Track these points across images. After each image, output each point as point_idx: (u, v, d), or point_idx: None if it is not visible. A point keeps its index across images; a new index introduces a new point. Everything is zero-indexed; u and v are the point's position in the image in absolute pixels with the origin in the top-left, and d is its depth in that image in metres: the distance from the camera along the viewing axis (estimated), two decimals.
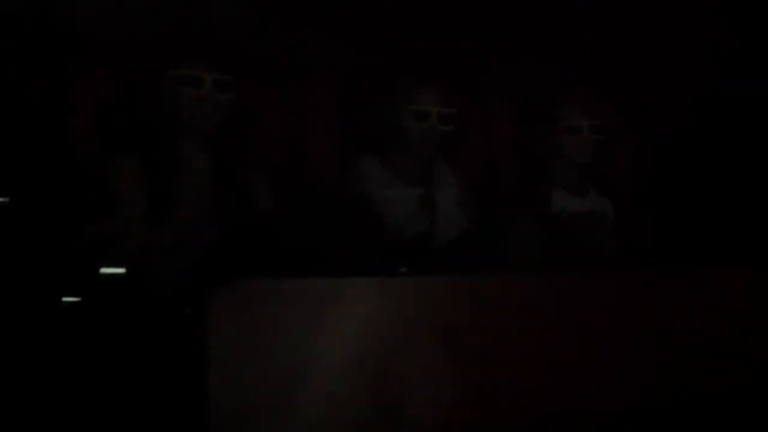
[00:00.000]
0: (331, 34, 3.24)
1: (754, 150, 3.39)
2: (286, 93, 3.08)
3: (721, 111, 3.47)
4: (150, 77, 2.77)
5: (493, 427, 2.08)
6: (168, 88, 2.75)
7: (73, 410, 2.25)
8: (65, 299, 2.47)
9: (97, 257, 2.53)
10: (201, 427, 1.95)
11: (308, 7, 3.26)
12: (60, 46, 2.93)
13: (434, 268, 2.70)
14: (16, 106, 2.81)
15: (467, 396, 2.08)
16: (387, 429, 2.04)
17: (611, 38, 3.52)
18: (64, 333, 2.37)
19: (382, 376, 2.03)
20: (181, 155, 2.75)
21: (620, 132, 3.40)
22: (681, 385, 2.18)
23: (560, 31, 3.49)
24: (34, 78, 2.87)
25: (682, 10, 3.51)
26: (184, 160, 2.75)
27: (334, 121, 3.09)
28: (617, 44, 3.52)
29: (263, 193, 2.83)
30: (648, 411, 2.15)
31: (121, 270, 2.50)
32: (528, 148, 3.26)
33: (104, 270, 2.50)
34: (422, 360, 2.05)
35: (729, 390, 2.20)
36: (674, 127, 3.48)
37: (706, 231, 3.24)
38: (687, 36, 3.54)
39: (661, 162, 3.44)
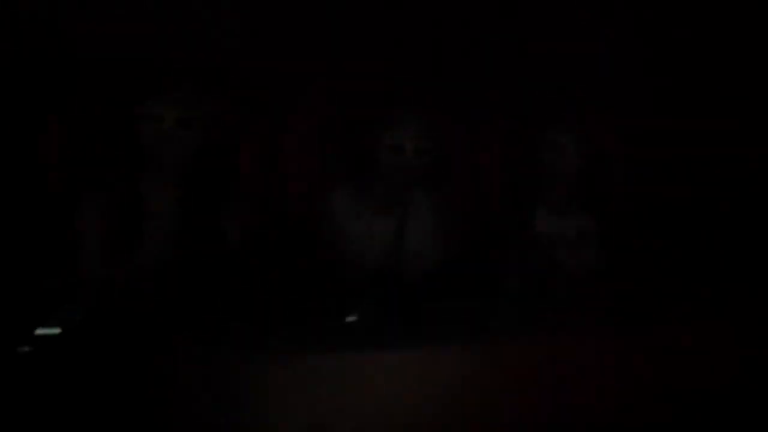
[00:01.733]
0: (310, 59, 3.15)
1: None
2: (262, 123, 2.97)
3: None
4: (113, 113, 2.75)
5: None
6: (130, 125, 2.71)
7: None
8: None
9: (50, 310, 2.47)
10: None
11: (286, 33, 3.15)
12: (29, 78, 2.86)
13: (392, 311, 2.61)
14: None
15: None
16: None
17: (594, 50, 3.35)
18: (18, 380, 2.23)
19: None
20: (146, 192, 2.71)
21: (608, 146, 3.24)
22: None
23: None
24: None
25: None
26: (148, 197, 2.70)
27: (310, 150, 3.02)
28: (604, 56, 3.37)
29: (233, 230, 2.78)
30: None
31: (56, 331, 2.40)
32: (512, 168, 3.08)
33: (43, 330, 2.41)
34: None
35: None
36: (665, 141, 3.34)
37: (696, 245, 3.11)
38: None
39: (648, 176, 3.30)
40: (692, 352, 2.32)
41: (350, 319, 2.53)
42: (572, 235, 3.08)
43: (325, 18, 3.21)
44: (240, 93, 3.05)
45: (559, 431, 2.23)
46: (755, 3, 3.41)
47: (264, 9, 3.18)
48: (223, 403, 2.13)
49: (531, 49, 3.38)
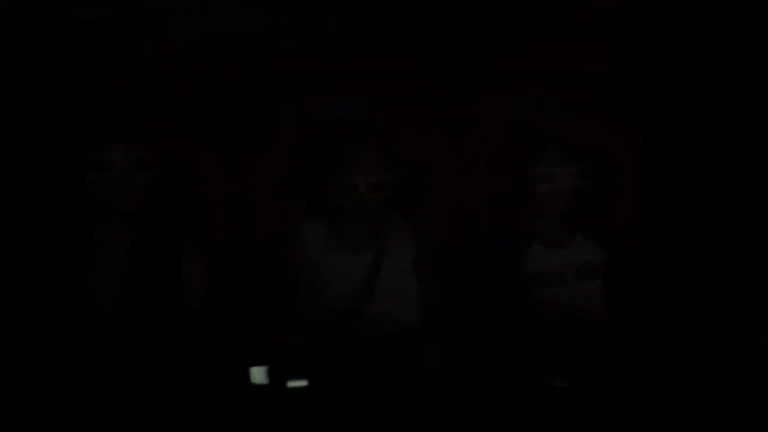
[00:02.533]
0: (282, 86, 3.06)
1: None
2: (230, 155, 2.91)
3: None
4: (61, 158, 2.68)
5: None
6: (80, 170, 2.64)
7: None
8: None
9: None
10: None
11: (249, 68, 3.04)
12: None
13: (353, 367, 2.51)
14: None
15: None
16: None
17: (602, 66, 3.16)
18: None
19: None
20: (97, 238, 2.62)
21: (618, 169, 3.01)
22: None
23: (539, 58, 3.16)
24: None
25: None
26: (100, 242, 2.62)
27: (280, 184, 2.90)
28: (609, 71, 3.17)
29: (197, 276, 2.68)
30: None
31: None
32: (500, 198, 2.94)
33: None
34: None
35: None
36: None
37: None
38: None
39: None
40: None
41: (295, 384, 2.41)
42: (569, 272, 2.87)
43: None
44: (202, 128, 2.94)
45: None
46: None
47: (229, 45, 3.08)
48: None
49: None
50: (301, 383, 2.42)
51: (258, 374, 2.47)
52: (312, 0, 3.15)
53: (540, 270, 2.85)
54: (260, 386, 2.44)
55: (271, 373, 2.48)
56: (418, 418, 2.44)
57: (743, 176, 3.08)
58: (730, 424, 2.57)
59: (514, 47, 3.21)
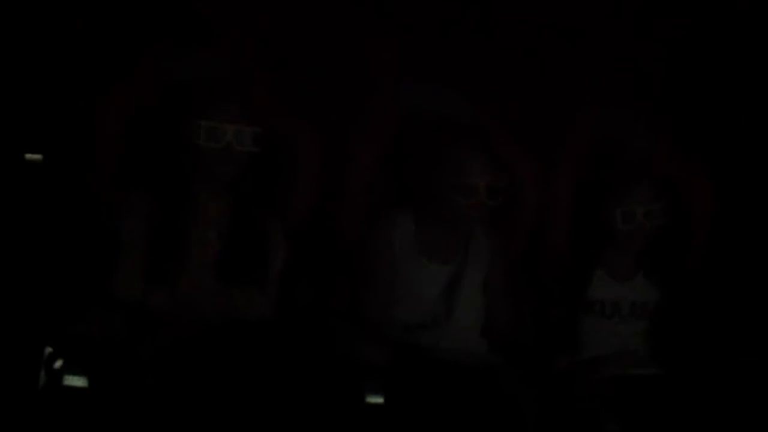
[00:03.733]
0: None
1: None
2: (330, 137, 2.85)
3: None
4: (170, 123, 2.62)
5: None
6: (188, 136, 2.58)
7: None
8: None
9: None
10: None
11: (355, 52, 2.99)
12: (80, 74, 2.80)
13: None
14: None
15: None
16: None
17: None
18: None
19: None
20: (196, 202, 2.60)
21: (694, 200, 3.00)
22: None
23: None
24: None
25: None
26: (197, 207, 2.60)
27: (374, 176, 2.86)
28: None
29: (280, 251, 2.66)
30: None
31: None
32: (580, 229, 2.93)
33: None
34: None
35: None
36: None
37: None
38: None
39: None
40: None
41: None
42: (626, 308, 2.89)
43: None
44: (303, 110, 2.88)
45: None
46: None
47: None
48: None
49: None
50: (378, 400, 2.40)
51: None
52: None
53: (600, 299, 2.87)
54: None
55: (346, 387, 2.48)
56: None
57: None
58: None
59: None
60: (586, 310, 2.85)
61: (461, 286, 2.74)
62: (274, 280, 2.62)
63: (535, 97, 3.17)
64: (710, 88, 3.29)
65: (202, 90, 2.63)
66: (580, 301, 2.86)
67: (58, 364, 2.41)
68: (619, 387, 2.69)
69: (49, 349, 2.44)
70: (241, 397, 2.34)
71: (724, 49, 3.28)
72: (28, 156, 2.89)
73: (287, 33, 3.03)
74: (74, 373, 2.33)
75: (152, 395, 2.32)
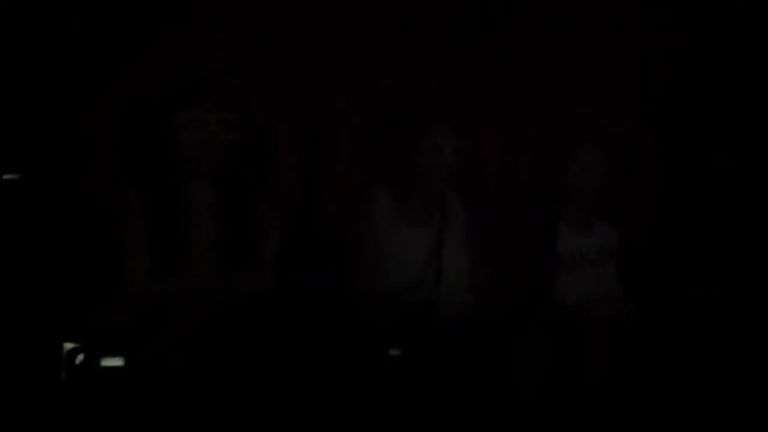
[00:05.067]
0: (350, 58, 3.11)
1: None
2: (308, 124, 2.99)
3: None
4: (153, 117, 2.70)
5: None
6: (172, 129, 2.69)
7: None
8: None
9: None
10: None
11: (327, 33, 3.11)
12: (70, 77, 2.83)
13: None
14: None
15: None
16: None
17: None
18: None
19: None
20: (187, 196, 2.70)
21: (637, 150, 3.26)
22: None
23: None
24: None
25: None
26: (189, 201, 2.70)
27: (355, 154, 3.03)
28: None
29: (272, 233, 2.78)
30: None
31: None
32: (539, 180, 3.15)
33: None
34: None
35: None
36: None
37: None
38: None
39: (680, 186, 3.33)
40: None
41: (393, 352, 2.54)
42: (593, 254, 3.13)
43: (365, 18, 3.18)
44: (278, 93, 3.01)
45: None
46: None
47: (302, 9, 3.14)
48: None
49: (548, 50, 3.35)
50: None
51: None
52: None
53: (569, 251, 3.10)
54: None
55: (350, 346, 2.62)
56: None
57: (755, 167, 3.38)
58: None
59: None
60: (558, 263, 3.08)
61: (444, 247, 2.95)
62: (269, 260, 2.76)
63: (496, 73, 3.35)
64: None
65: (184, 82, 2.74)
66: (551, 255, 3.08)
67: (79, 359, 2.51)
68: (600, 328, 2.93)
69: (68, 345, 2.53)
70: (249, 372, 2.48)
71: None
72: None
73: (267, 22, 3.13)
74: (100, 363, 2.42)
75: (178, 379, 2.43)
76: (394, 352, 2.61)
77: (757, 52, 3.47)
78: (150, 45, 2.97)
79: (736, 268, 3.20)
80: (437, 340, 2.69)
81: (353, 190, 2.98)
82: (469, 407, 2.61)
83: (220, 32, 3.08)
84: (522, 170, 3.21)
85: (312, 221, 2.98)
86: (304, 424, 2.48)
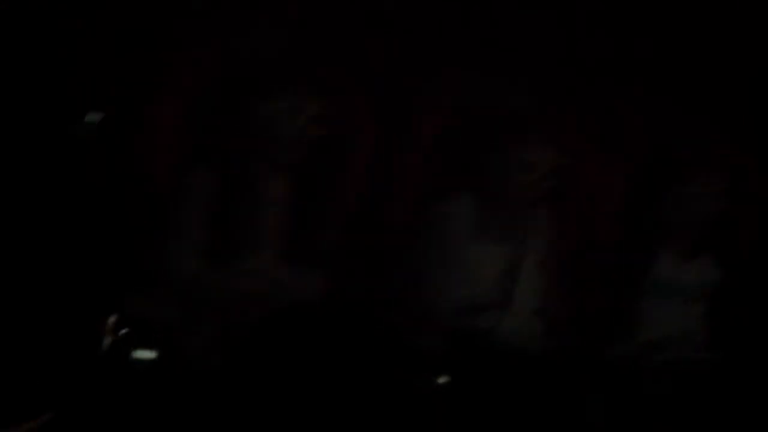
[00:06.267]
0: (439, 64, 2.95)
1: None
2: (386, 124, 2.87)
3: None
4: (239, 100, 2.64)
5: None
6: (258, 113, 2.62)
7: None
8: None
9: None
10: None
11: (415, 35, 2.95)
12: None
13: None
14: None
15: None
16: None
17: None
18: None
19: None
20: (259, 185, 2.63)
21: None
22: None
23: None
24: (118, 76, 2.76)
25: None
26: (261, 190, 2.63)
27: (431, 157, 2.90)
28: None
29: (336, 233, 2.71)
30: None
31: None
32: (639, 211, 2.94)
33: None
34: None
35: None
36: None
37: None
38: None
39: None
40: None
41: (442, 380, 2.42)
42: (688, 288, 2.91)
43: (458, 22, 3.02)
44: (361, 89, 2.90)
45: None
46: None
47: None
48: None
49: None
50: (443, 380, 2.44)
51: None
52: None
53: (659, 280, 2.89)
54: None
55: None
56: None
57: None
58: None
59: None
60: (644, 292, 2.88)
61: (519, 268, 2.77)
62: (330, 261, 2.67)
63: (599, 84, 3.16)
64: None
65: (271, 68, 2.67)
66: (639, 283, 2.88)
67: (123, 332, 2.47)
68: (676, 371, 2.72)
69: (113, 319, 2.49)
70: (299, 378, 2.39)
71: None
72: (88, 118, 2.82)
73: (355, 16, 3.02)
74: (139, 349, 2.37)
75: (216, 375, 2.36)
76: (442, 379, 2.44)
77: None
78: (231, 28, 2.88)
79: None
80: (494, 369, 2.52)
81: (428, 196, 2.83)
82: None
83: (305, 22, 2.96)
84: (617, 192, 3.01)
85: (382, 224, 2.85)
86: None
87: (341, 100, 2.77)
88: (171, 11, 2.84)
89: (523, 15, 3.02)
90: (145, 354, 2.38)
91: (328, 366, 2.43)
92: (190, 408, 2.34)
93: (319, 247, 2.65)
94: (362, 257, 2.76)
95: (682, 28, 3.12)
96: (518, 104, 2.90)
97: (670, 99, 3.09)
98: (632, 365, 2.73)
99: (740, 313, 2.93)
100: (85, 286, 2.58)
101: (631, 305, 2.84)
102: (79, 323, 2.51)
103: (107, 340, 2.43)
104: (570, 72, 3.04)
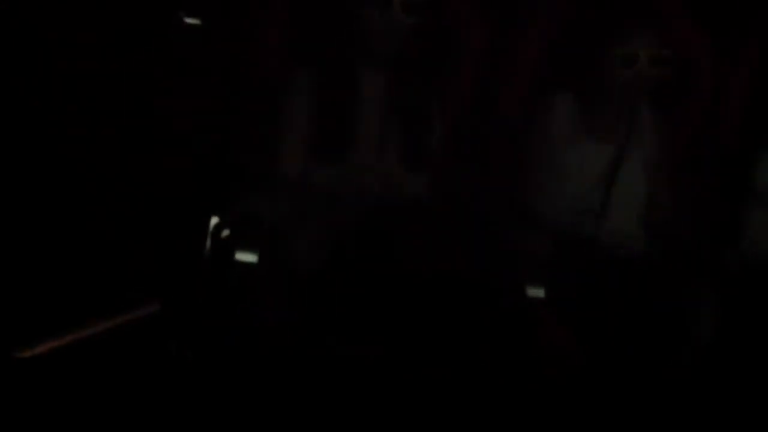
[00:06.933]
0: None
1: None
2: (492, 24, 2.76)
3: None
4: None
5: None
6: (351, 5, 2.57)
7: None
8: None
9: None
10: None
11: None
12: None
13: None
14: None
15: None
16: None
17: None
18: None
19: None
20: (358, 81, 2.59)
21: None
22: None
23: None
24: None
25: None
26: (360, 86, 2.59)
27: (535, 60, 2.79)
28: None
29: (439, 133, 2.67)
30: None
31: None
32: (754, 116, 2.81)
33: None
34: None
35: None
36: None
37: None
38: None
39: None
40: None
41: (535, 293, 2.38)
42: None
43: None
44: None
45: None
46: None
47: None
48: None
49: None
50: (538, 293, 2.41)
51: None
52: None
53: None
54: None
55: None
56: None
57: None
58: None
59: None
60: (753, 200, 2.78)
61: (622, 169, 2.69)
62: (432, 160, 2.63)
63: None
64: None
65: None
66: (749, 191, 2.78)
67: (225, 233, 2.50)
68: None
69: (216, 219, 2.52)
70: (399, 279, 2.38)
71: None
72: (188, 20, 2.84)
73: None
74: (243, 249, 2.38)
75: (319, 276, 2.37)
76: (536, 293, 2.41)
77: None
78: None
79: None
80: (593, 281, 2.48)
81: (533, 93, 2.75)
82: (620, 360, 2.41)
83: None
84: (734, 91, 2.87)
85: (485, 124, 2.78)
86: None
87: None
88: None
89: None
90: (246, 256, 2.39)
91: (430, 267, 2.43)
92: (289, 311, 2.36)
93: (425, 143, 2.62)
94: (468, 155, 2.72)
95: None
96: None
97: None
98: (740, 275, 2.67)
99: None
100: (190, 184, 2.60)
101: (741, 214, 2.76)
102: (184, 222, 2.55)
103: (209, 242, 2.45)
104: None
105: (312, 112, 2.56)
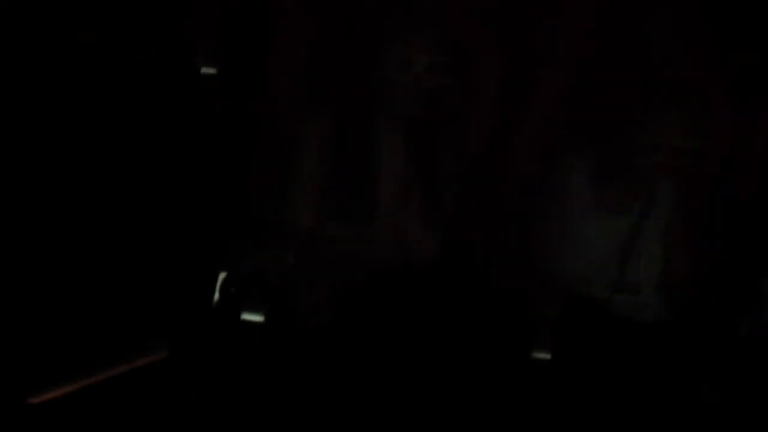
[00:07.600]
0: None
1: None
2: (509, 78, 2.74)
3: None
4: (356, 49, 2.61)
5: None
6: (374, 63, 2.57)
7: None
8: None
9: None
10: None
11: None
12: None
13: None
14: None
15: None
16: None
17: None
18: None
19: None
20: (374, 134, 2.58)
21: None
22: None
23: None
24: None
25: None
26: (376, 138, 2.57)
27: (555, 114, 2.77)
28: None
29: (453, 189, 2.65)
30: None
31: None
32: None
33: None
34: None
35: None
36: None
37: None
38: None
39: None
40: None
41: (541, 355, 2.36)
42: None
43: None
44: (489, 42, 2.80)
45: None
46: None
47: None
48: None
49: None
50: (545, 356, 2.39)
51: None
52: None
53: None
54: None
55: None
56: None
57: None
58: None
59: None
60: None
61: (639, 238, 2.65)
62: (447, 218, 2.61)
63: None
64: None
65: (392, 14, 2.60)
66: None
67: (232, 289, 2.49)
68: None
69: (223, 275, 2.51)
70: (405, 340, 2.37)
71: None
72: (204, 70, 2.85)
73: None
74: (250, 309, 2.38)
75: (325, 335, 2.36)
76: (542, 355, 2.38)
77: None
78: None
79: None
80: (605, 342, 2.45)
81: (549, 153, 2.73)
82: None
83: None
84: (754, 157, 2.85)
85: (500, 182, 2.77)
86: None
87: (464, 52, 2.68)
88: None
89: None
90: (253, 314, 2.38)
91: (436, 329, 2.41)
92: (297, 366, 2.35)
93: (437, 203, 2.60)
94: (480, 215, 2.70)
95: None
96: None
97: None
98: (757, 344, 2.63)
99: None
100: (200, 238, 2.60)
101: (759, 283, 2.72)
102: (193, 276, 2.55)
103: (216, 297, 2.44)
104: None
105: (327, 167, 2.55)
